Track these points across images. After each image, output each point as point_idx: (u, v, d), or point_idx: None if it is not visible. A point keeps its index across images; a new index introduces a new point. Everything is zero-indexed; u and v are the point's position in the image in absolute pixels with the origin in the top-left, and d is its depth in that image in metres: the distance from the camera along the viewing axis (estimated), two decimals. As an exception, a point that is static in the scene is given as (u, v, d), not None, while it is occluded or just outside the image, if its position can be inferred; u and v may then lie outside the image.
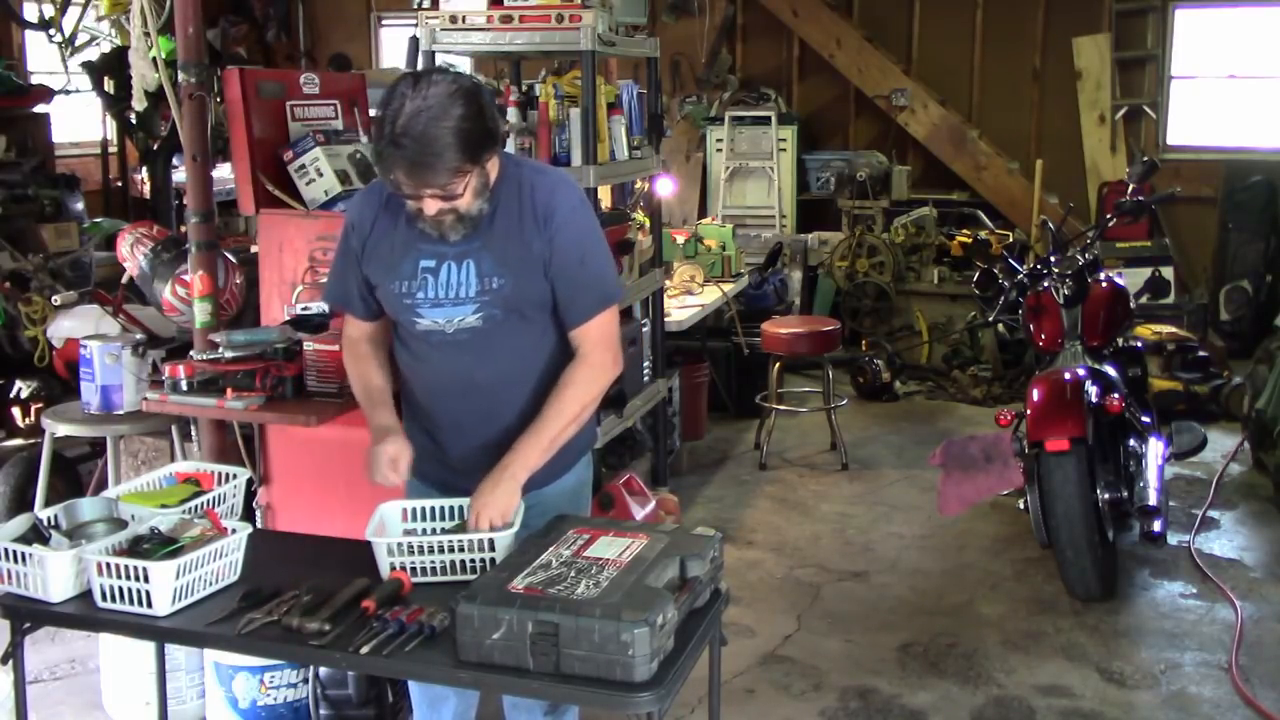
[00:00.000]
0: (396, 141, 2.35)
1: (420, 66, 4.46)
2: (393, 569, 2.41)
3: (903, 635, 4.30)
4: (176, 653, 3.48)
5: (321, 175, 3.76)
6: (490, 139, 2.45)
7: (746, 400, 6.84)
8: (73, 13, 8.44)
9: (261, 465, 3.78)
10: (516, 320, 2.58)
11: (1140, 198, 5.39)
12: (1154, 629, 4.34)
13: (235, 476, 2.80)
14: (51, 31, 8.48)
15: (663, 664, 2.09)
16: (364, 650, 2.18)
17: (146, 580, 2.29)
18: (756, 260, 8.03)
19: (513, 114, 4.46)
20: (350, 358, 2.79)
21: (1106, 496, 4.55)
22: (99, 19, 8.28)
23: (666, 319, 5.51)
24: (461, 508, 2.56)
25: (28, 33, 9.13)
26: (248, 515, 3.10)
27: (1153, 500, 4.52)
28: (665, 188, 5.83)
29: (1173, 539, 4.99)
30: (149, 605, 2.31)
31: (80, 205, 8.24)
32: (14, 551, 2.39)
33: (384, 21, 11.13)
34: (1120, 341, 5.36)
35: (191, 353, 3.50)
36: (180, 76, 3.71)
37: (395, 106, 2.37)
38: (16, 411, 5.51)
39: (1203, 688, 3.92)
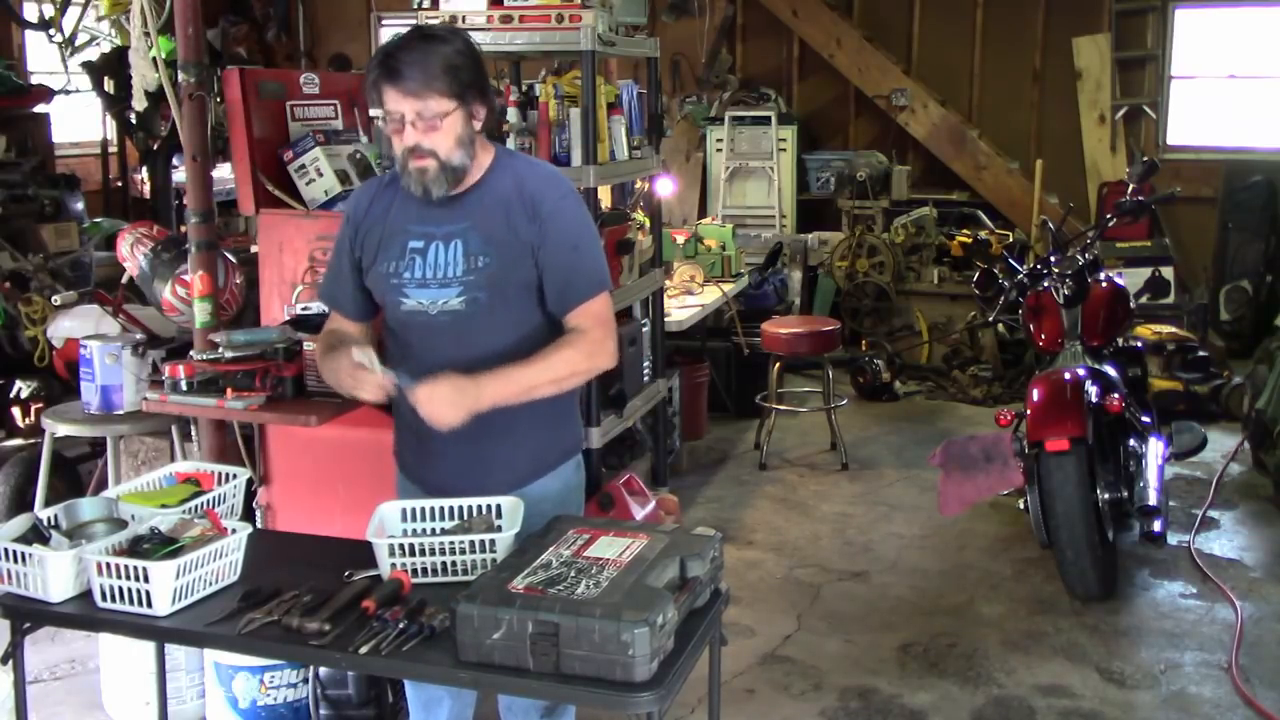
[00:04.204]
0: (386, 61, 2.47)
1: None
2: (393, 569, 2.41)
3: (903, 635, 4.30)
4: (176, 653, 3.48)
5: (321, 175, 3.76)
6: (479, 91, 2.54)
7: (746, 400, 6.84)
8: (73, 13, 8.45)
9: (261, 465, 3.78)
10: (499, 304, 2.58)
11: (1140, 198, 5.38)
12: (1154, 629, 4.34)
13: (235, 476, 2.80)
14: (51, 31, 8.48)
15: (663, 664, 2.08)
16: (364, 650, 2.18)
17: (146, 580, 2.29)
18: (756, 260, 8.03)
19: (513, 114, 4.45)
20: (323, 345, 2.71)
21: (1106, 496, 4.55)
22: (99, 19, 8.30)
23: (666, 319, 5.51)
24: (462, 508, 2.56)
25: (28, 33, 9.13)
26: (248, 515, 3.10)
27: (1153, 500, 4.52)
28: (665, 188, 5.83)
29: (1173, 539, 4.99)
30: (149, 605, 2.31)
31: (80, 205, 8.23)
32: (14, 551, 2.38)
33: (384, 21, 11.10)
34: (1120, 341, 5.36)
35: (191, 353, 3.50)
36: (180, 76, 3.71)
37: (396, 40, 2.50)
38: (16, 411, 5.51)
39: (1203, 688, 3.92)
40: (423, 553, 2.41)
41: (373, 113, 2.62)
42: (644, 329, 5.08)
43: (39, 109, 8.82)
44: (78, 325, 4.80)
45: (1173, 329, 7.18)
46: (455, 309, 2.58)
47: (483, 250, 2.57)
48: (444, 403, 2.44)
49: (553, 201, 2.59)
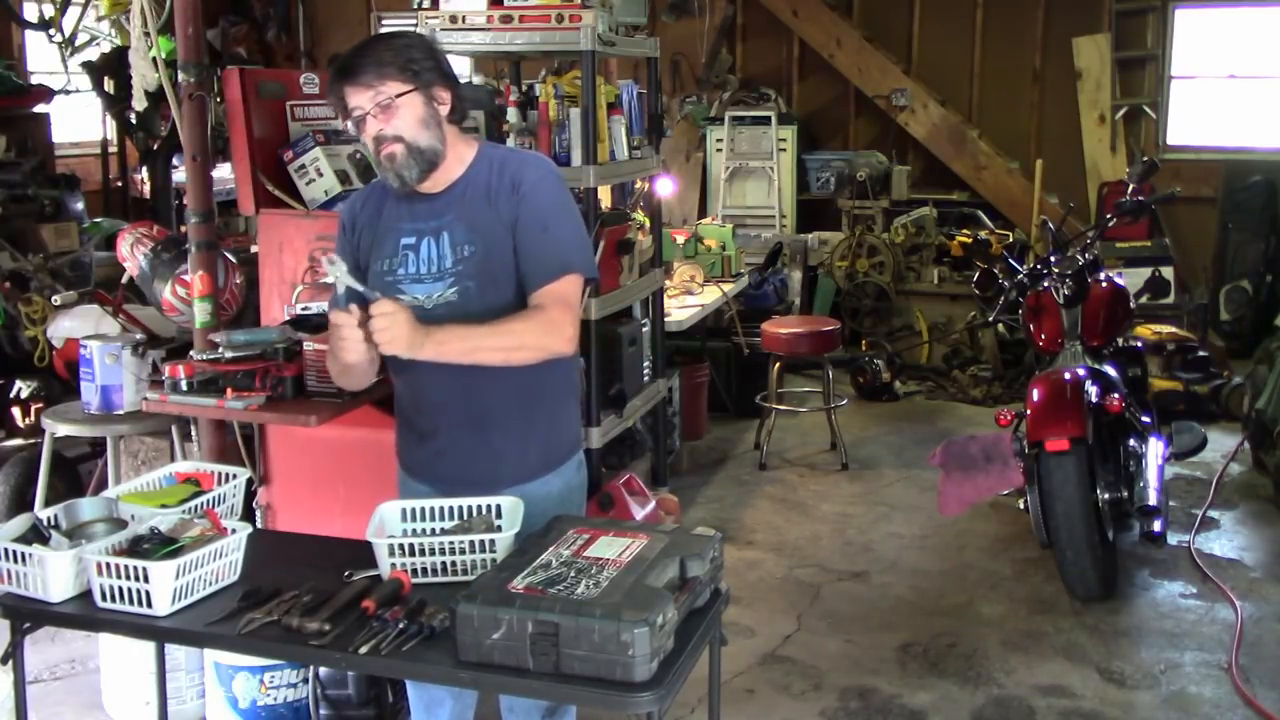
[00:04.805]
0: (340, 65, 2.53)
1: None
2: (393, 569, 2.41)
3: (903, 635, 4.30)
4: (176, 653, 3.48)
5: (321, 175, 3.77)
6: (437, 74, 2.57)
7: (746, 400, 6.84)
8: (73, 13, 8.44)
9: (261, 465, 3.78)
10: (490, 291, 2.58)
11: (1140, 198, 5.38)
12: (1154, 629, 4.34)
13: (235, 476, 2.80)
14: (51, 31, 8.48)
15: (663, 664, 2.08)
16: (364, 650, 2.18)
17: (146, 580, 2.29)
18: (756, 260, 8.03)
19: (513, 114, 4.46)
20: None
21: (1106, 496, 4.55)
22: (99, 19, 8.29)
23: (666, 319, 5.51)
24: (462, 508, 2.56)
25: (28, 33, 9.13)
26: (248, 515, 3.10)
27: (1153, 500, 4.52)
28: (665, 188, 5.83)
29: (1173, 539, 4.99)
30: (149, 605, 2.31)
31: (80, 205, 8.22)
32: (14, 551, 2.38)
33: (384, 21, 11.13)
34: (1120, 341, 5.36)
35: (191, 353, 3.50)
36: (180, 76, 3.71)
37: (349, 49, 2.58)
38: (16, 411, 5.51)
39: (1203, 688, 3.92)
40: (423, 553, 2.41)
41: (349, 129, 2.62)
42: (644, 329, 5.08)
43: (39, 109, 8.81)
44: (78, 325, 4.80)
45: (1173, 329, 7.18)
46: (449, 300, 2.59)
47: (468, 239, 2.59)
48: (397, 324, 2.38)
49: (531, 181, 2.60)
